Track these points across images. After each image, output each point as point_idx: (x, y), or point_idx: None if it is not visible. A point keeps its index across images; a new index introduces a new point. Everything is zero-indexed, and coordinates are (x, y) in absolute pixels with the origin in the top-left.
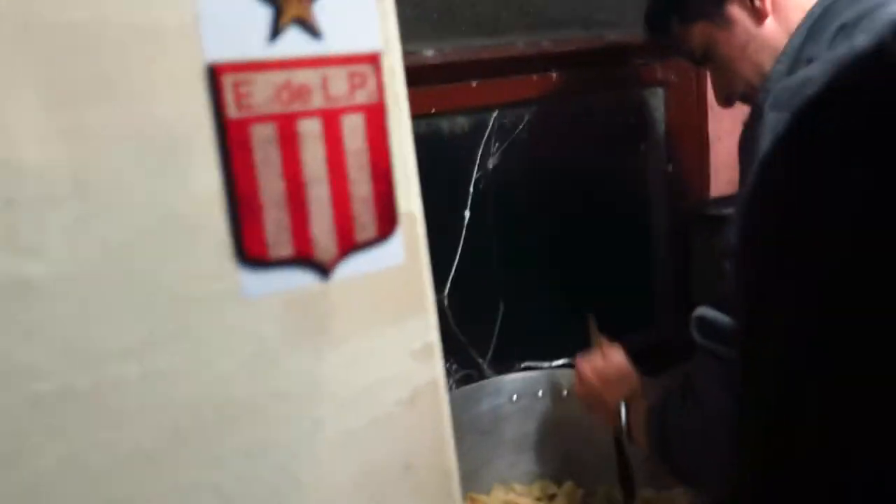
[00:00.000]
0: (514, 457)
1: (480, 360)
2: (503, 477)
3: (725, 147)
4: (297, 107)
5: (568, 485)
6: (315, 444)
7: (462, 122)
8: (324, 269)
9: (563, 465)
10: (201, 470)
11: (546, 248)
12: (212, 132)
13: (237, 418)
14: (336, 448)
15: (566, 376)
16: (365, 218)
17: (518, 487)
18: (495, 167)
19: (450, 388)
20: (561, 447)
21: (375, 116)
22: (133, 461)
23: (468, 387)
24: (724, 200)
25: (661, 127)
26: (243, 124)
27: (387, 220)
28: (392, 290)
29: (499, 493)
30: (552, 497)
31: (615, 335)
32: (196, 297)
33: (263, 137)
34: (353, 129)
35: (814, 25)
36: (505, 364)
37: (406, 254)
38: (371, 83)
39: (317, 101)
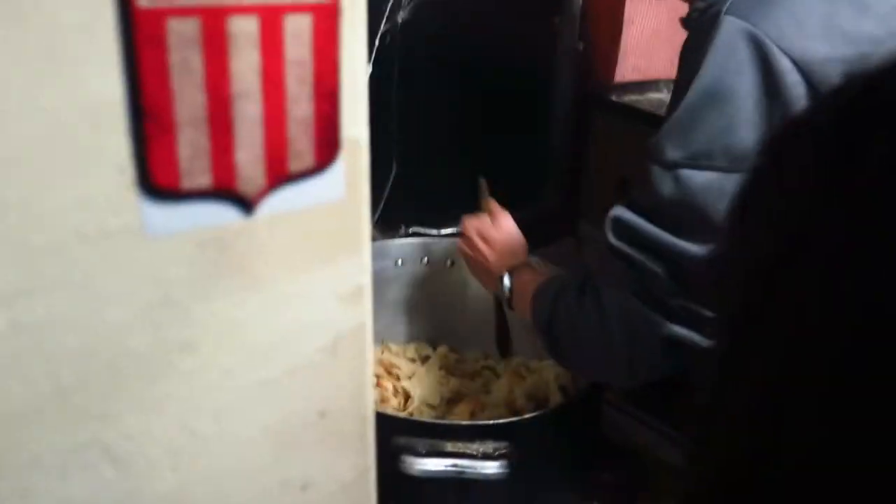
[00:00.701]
0: (392, 318)
1: None
2: (380, 336)
3: (638, 30)
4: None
5: (442, 349)
6: (221, 396)
7: None
8: (247, 204)
9: (440, 330)
10: (87, 429)
11: (447, 114)
12: (113, 23)
13: (131, 372)
14: (245, 400)
15: (454, 246)
16: (301, 144)
17: (393, 347)
18: (405, 22)
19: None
20: (439, 313)
21: (326, 20)
22: (3, 422)
23: None
24: (629, 87)
25: (577, 2)
26: (157, 17)
27: (327, 147)
28: (326, 229)
29: (375, 351)
30: (425, 359)
31: (505, 204)
32: (85, 233)
33: (182, 36)
34: (297, 34)
35: None
36: (393, 227)
37: (346, 188)
38: None
39: None
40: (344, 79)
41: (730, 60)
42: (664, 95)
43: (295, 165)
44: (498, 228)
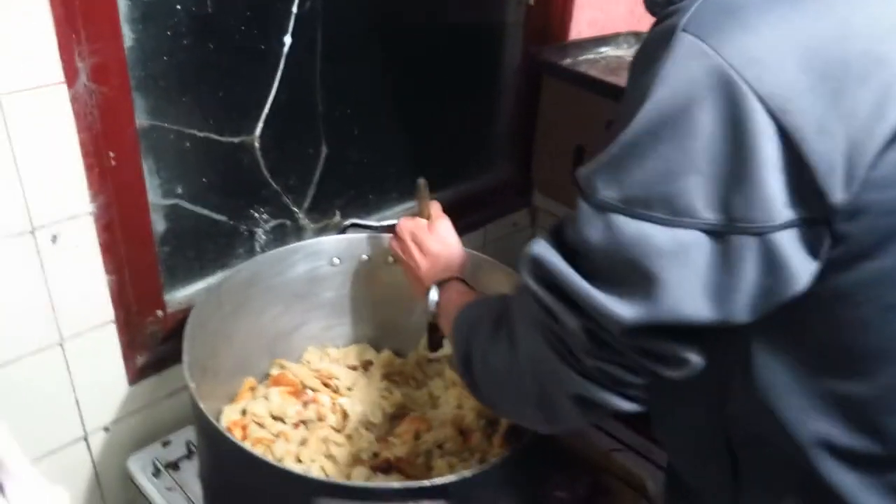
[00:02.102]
0: (330, 319)
1: (296, 210)
2: (318, 340)
3: None
4: None
5: (385, 354)
6: None
7: None
8: None
9: (383, 330)
10: None
11: (380, 85)
12: None
13: None
14: None
15: None
16: None
17: (333, 352)
18: None
19: (261, 240)
20: (381, 313)
21: None
22: None
23: (283, 248)
24: (585, 45)
25: None
26: None
27: None
28: None
29: (312, 357)
30: (367, 364)
31: (448, 180)
32: None
33: None
34: None
35: None
36: (325, 215)
37: None
38: None
39: None
40: None
41: (681, 90)
42: (624, 51)
43: None
44: (434, 235)
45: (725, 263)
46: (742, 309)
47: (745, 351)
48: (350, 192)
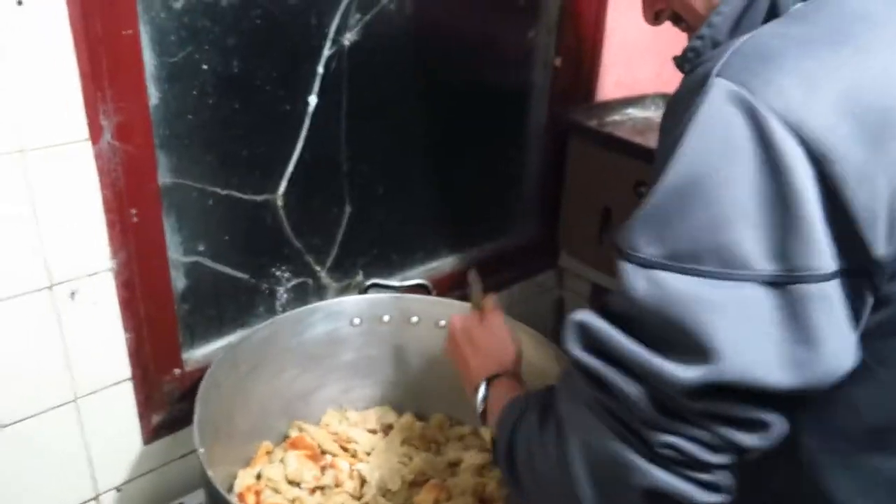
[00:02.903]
0: (349, 382)
1: (318, 269)
2: (338, 402)
3: (619, 40)
4: None
5: (406, 417)
6: None
7: None
8: None
9: (403, 392)
10: None
11: (405, 145)
12: None
13: None
14: None
15: (417, 301)
16: None
17: (352, 415)
18: (354, 45)
19: (282, 299)
20: (402, 374)
21: None
22: None
23: (303, 308)
24: (610, 107)
25: (554, 12)
26: None
27: None
28: None
29: (331, 420)
30: (388, 428)
31: (474, 239)
32: None
33: None
34: None
35: None
36: (348, 274)
37: None
38: None
39: None
40: None
41: (718, 137)
42: (651, 112)
43: None
44: (486, 328)
45: (793, 317)
46: (830, 361)
47: (791, 421)
48: (373, 251)
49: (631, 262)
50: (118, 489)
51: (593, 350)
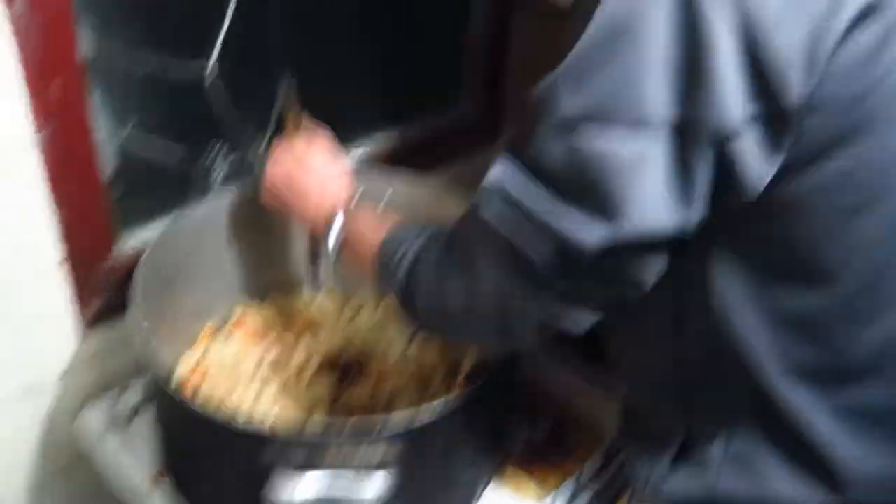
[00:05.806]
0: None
1: (254, 145)
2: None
3: None
4: None
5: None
6: None
7: None
8: None
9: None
10: None
11: (340, 9)
12: None
13: None
14: None
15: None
16: None
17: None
18: None
19: (219, 177)
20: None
21: None
22: None
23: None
24: None
25: None
26: None
27: None
28: None
29: (278, 297)
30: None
31: (418, 111)
32: None
33: None
34: None
35: None
36: None
37: None
38: None
39: None
40: None
41: None
42: None
43: None
44: (319, 155)
45: (684, 166)
46: (698, 211)
47: (701, 267)
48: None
49: (549, 121)
50: (60, 378)
51: (503, 208)
